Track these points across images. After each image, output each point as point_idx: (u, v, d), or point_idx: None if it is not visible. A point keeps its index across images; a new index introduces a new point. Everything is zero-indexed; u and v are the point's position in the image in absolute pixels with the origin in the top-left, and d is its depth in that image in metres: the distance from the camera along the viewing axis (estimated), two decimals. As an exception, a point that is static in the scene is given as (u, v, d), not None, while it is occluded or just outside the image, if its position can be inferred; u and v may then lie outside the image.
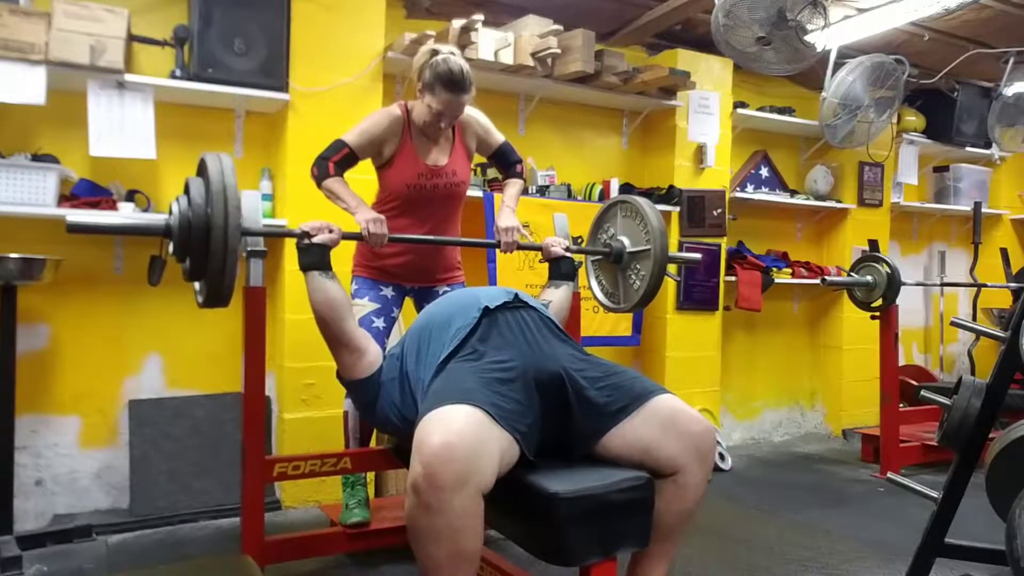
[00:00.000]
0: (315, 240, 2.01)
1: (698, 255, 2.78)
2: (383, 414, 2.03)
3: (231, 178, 1.71)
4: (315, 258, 2.02)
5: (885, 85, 4.25)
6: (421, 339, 1.99)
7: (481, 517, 1.52)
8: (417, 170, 2.45)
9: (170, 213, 1.74)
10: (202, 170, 1.78)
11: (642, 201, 2.38)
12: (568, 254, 2.47)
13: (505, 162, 2.66)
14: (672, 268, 2.37)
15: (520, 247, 2.49)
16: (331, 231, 2.04)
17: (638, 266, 2.41)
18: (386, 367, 2.05)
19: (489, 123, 2.62)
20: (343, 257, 2.15)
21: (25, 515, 2.85)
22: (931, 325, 5.65)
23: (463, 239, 2.66)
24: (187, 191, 1.75)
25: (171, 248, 1.77)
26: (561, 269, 2.47)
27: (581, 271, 2.59)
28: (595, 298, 2.64)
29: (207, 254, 1.69)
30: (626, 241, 2.45)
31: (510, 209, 2.56)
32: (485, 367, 1.77)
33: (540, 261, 2.55)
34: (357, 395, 2.09)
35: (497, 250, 2.52)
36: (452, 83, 2.28)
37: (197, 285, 1.87)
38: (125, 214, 2.85)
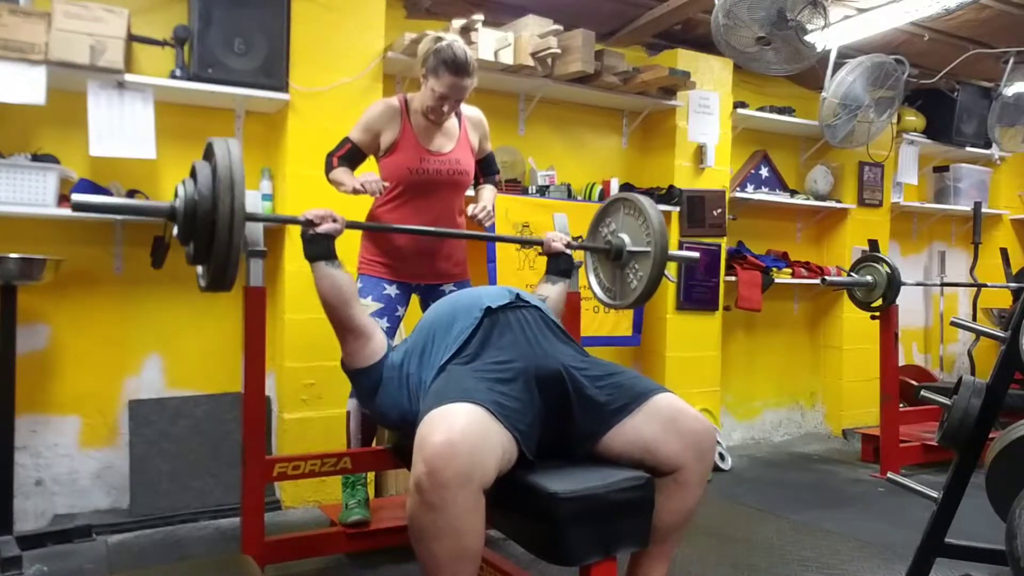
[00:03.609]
0: (320, 230, 2.01)
1: (696, 254, 2.77)
2: (382, 407, 2.03)
3: (238, 163, 1.72)
4: (321, 249, 2.02)
5: (885, 85, 4.25)
6: (426, 340, 1.99)
7: (483, 515, 1.53)
8: (419, 154, 2.49)
9: (175, 196, 1.75)
10: (208, 154, 1.79)
11: (645, 200, 2.37)
12: (568, 251, 2.48)
13: (490, 169, 2.76)
14: (671, 269, 2.36)
15: (521, 241, 2.49)
16: (335, 220, 2.03)
17: (636, 266, 2.41)
18: (388, 363, 2.05)
19: (488, 130, 2.73)
20: (348, 258, 2.14)
21: (25, 515, 2.85)
22: (931, 325, 5.65)
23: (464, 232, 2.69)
24: (193, 175, 1.76)
25: (175, 231, 1.78)
26: (560, 265, 2.48)
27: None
28: (592, 292, 2.63)
29: (212, 238, 1.71)
30: (626, 239, 2.44)
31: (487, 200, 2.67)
32: (486, 368, 1.77)
33: (539, 254, 2.56)
34: (359, 383, 2.10)
35: (497, 251, 2.52)
36: (456, 66, 2.33)
37: (200, 269, 1.87)
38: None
